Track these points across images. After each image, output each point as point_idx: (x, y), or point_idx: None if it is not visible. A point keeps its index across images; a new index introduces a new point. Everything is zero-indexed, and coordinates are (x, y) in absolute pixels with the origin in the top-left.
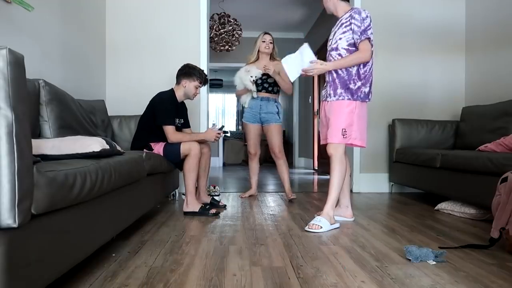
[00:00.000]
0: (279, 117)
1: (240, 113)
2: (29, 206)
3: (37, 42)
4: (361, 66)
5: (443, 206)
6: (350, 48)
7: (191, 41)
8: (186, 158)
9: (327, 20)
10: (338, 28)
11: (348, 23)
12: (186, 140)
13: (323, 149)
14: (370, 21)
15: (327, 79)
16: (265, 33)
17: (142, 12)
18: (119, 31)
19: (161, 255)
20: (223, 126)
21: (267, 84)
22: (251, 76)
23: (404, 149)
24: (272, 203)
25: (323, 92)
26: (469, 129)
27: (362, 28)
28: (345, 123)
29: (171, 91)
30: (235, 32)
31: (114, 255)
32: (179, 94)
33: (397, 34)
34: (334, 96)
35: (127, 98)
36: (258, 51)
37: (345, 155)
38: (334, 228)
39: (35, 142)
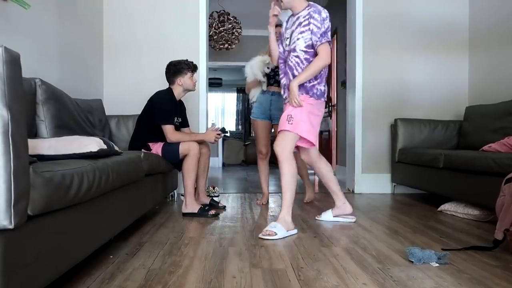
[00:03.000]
0: None
1: (240, 112)
2: (25, 207)
3: (34, 40)
4: None
5: (446, 207)
6: (308, 50)
7: (190, 39)
8: (185, 158)
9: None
10: (296, 27)
11: (307, 22)
12: (186, 140)
13: (321, 149)
14: (329, 21)
15: (284, 82)
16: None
17: (140, 10)
18: (117, 29)
19: (160, 257)
20: (224, 128)
21: (278, 76)
22: (268, 68)
23: (407, 149)
24: (272, 204)
25: (283, 95)
26: (472, 129)
27: (323, 30)
28: (293, 111)
29: (169, 90)
30: (234, 30)
31: (112, 256)
32: (177, 92)
33: (399, 33)
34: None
35: (125, 98)
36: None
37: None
38: (291, 235)
39: (31, 142)
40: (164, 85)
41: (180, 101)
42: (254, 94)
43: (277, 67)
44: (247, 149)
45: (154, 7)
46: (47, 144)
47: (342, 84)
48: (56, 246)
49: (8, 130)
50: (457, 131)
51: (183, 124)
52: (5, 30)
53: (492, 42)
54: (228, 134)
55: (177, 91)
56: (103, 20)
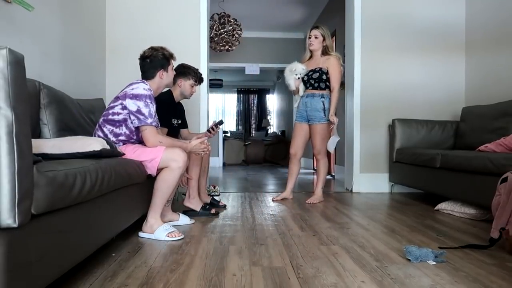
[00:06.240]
0: (326, 114)
1: (240, 113)
2: (29, 206)
3: (37, 42)
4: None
5: (443, 206)
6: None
7: (191, 41)
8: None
9: (329, 20)
10: None
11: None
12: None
13: None
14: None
15: None
16: (312, 28)
17: (142, 12)
18: (119, 30)
19: (161, 255)
20: (221, 121)
21: (313, 80)
22: (296, 75)
23: (404, 149)
24: (272, 203)
25: None
26: (469, 129)
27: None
28: None
29: (169, 91)
30: (235, 32)
31: (114, 255)
32: (176, 94)
33: (397, 35)
34: None
35: None
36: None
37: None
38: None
39: (35, 142)
40: None
41: (179, 102)
42: (297, 100)
43: (310, 71)
44: (247, 149)
45: (155, 9)
46: (51, 143)
47: (341, 85)
48: (59, 245)
49: (12, 130)
50: (453, 132)
51: (182, 125)
52: (9, 31)
53: (488, 44)
54: (228, 134)
55: (176, 92)
56: (106, 22)
